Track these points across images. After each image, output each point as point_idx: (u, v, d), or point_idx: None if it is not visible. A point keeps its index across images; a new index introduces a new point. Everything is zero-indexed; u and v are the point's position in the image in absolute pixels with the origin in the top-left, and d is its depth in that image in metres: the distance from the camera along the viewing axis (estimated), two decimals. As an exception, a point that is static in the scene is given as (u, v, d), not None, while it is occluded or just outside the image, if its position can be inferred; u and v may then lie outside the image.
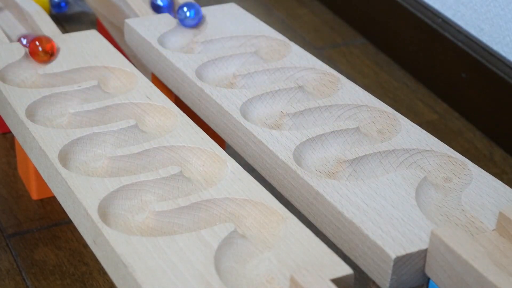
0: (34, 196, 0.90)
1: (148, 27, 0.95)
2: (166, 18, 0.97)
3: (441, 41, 1.13)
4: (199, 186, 0.71)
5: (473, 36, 1.09)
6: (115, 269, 0.62)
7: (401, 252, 0.61)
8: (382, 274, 0.62)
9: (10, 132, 1.01)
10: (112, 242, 0.62)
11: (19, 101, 0.80)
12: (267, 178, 0.76)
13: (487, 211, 0.67)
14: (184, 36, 0.96)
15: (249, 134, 0.76)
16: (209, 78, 0.88)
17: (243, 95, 0.82)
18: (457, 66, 1.10)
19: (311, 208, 0.70)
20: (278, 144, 0.74)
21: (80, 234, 0.83)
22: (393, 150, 0.74)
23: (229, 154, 0.73)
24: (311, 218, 0.70)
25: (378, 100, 0.81)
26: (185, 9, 0.96)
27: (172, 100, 0.88)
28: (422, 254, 0.62)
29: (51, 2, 1.28)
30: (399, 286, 0.63)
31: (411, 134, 0.76)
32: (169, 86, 0.90)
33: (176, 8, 0.99)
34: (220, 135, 0.82)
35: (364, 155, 0.73)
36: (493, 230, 0.64)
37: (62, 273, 0.81)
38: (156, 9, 1.01)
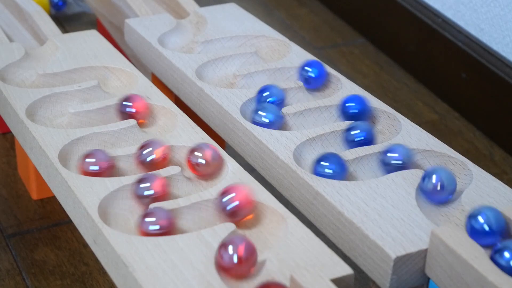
0: (34, 196, 0.90)
1: (148, 27, 0.95)
2: (166, 18, 0.97)
3: (441, 41, 1.13)
4: (199, 186, 0.71)
5: (473, 36, 1.09)
6: (115, 269, 0.62)
7: (401, 252, 0.61)
8: (382, 274, 0.62)
9: (10, 132, 1.01)
10: (112, 242, 0.62)
11: (19, 101, 0.80)
12: (267, 178, 0.76)
13: (487, 211, 0.67)
14: (184, 36, 0.96)
15: (249, 134, 0.76)
16: (209, 78, 0.88)
17: (243, 95, 0.82)
18: (457, 66, 1.10)
19: (311, 208, 0.70)
20: (278, 144, 0.74)
21: (80, 234, 0.83)
22: (393, 150, 0.74)
23: (229, 154, 0.73)
24: (311, 218, 0.70)
25: (378, 100, 0.81)
26: (307, 68, 0.85)
27: (172, 100, 0.88)
28: (422, 254, 0.62)
29: (51, 2, 1.28)
30: (399, 286, 0.63)
31: (411, 134, 0.76)
32: (169, 86, 0.90)
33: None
34: (220, 135, 0.82)
35: (364, 155, 0.73)
36: (493, 230, 0.64)
37: (62, 273, 0.81)
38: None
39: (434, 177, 0.68)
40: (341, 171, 0.71)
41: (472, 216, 0.63)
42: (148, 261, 0.60)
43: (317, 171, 0.71)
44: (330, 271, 0.58)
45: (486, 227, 0.62)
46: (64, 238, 0.85)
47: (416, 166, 0.74)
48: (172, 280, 0.58)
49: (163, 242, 0.62)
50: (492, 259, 0.59)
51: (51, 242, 0.85)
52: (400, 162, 0.72)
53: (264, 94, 0.81)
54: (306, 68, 0.85)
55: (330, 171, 0.70)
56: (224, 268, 0.58)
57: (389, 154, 0.72)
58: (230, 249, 0.58)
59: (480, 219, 0.62)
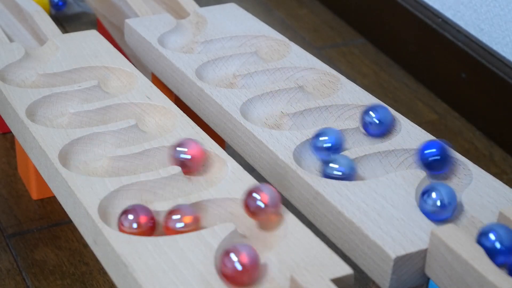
0: (34, 196, 0.90)
1: (148, 27, 0.95)
2: (166, 18, 0.97)
3: (441, 41, 1.13)
4: (199, 186, 0.71)
5: (473, 36, 1.09)
6: (115, 269, 0.62)
7: (401, 252, 0.61)
8: (382, 274, 0.62)
9: (10, 132, 1.01)
10: (113, 242, 0.62)
11: (19, 101, 0.80)
12: (267, 178, 0.76)
13: (487, 211, 0.67)
14: (184, 36, 0.96)
15: (249, 134, 0.76)
16: (209, 78, 0.88)
17: (243, 95, 0.82)
18: (457, 66, 1.10)
19: (311, 208, 0.70)
20: (278, 144, 0.74)
21: (80, 234, 0.83)
22: (393, 150, 0.74)
23: (229, 154, 0.73)
24: (311, 218, 0.70)
25: (378, 100, 0.81)
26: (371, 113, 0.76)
27: (172, 100, 0.88)
28: (422, 254, 0.62)
29: (51, 2, 1.28)
30: (399, 286, 0.63)
31: (411, 134, 0.76)
32: (169, 86, 0.90)
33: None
34: (220, 135, 0.82)
35: (364, 155, 0.73)
36: (493, 230, 0.64)
37: (62, 273, 0.81)
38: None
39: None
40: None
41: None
42: (148, 261, 0.60)
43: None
44: (330, 271, 0.58)
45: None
46: (64, 238, 0.85)
47: (407, 165, 0.73)
48: (172, 280, 0.58)
49: (163, 242, 0.62)
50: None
51: (51, 242, 0.85)
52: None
53: (321, 139, 0.74)
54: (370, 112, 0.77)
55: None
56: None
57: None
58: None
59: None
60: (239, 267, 0.57)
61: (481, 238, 0.61)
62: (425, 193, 0.66)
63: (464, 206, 0.67)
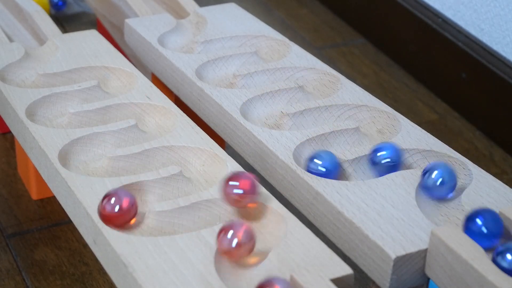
0: (34, 196, 0.90)
1: (148, 27, 0.95)
2: (166, 18, 0.97)
3: (441, 41, 1.13)
4: (199, 186, 0.71)
5: (473, 36, 1.09)
6: (115, 269, 0.62)
7: (401, 252, 0.61)
8: (382, 274, 0.62)
9: (10, 132, 1.01)
10: (112, 242, 0.62)
11: (19, 101, 0.80)
12: (267, 178, 0.76)
13: (487, 211, 0.67)
14: (184, 36, 0.96)
15: (249, 134, 0.76)
16: (209, 78, 0.88)
17: (243, 95, 0.82)
18: (457, 66, 1.10)
19: (311, 208, 0.70)
20: (278, 144, 0.74)
21: (80, 234, 0.83)
22: (393, 150, 0.74)
23: (229, 154, 0.73)
24: (311, 218, 0.70)
25: (378, 100, 0.81)
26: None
27: (172, 100, 0.88)
28: (422, 254, 0.62)
29: (51, 2, 1.28)
30: (399, 286, 0.63)
31: (411, 134, 0.76)
32: (169, 86, 0.90)
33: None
34: (220, 135, 0.82)
35: (364, 155, 0.73)
36: (493, 230, 0.64)
37: (62, 273, 0.81)
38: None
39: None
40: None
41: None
42: (148, 261, 0.60)
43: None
44: (330, 271, 0.58)
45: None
46: (64, 238, 0.85)
47: (407, 165, 0.74)
48: (172, 280, 0.58)
49: (163, 242, 0.62)
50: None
51: (51, 242, 0.85)
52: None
53: (379, 154, 0.72)
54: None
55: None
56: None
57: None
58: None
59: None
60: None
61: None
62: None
63: (464, 206, 0.67)
